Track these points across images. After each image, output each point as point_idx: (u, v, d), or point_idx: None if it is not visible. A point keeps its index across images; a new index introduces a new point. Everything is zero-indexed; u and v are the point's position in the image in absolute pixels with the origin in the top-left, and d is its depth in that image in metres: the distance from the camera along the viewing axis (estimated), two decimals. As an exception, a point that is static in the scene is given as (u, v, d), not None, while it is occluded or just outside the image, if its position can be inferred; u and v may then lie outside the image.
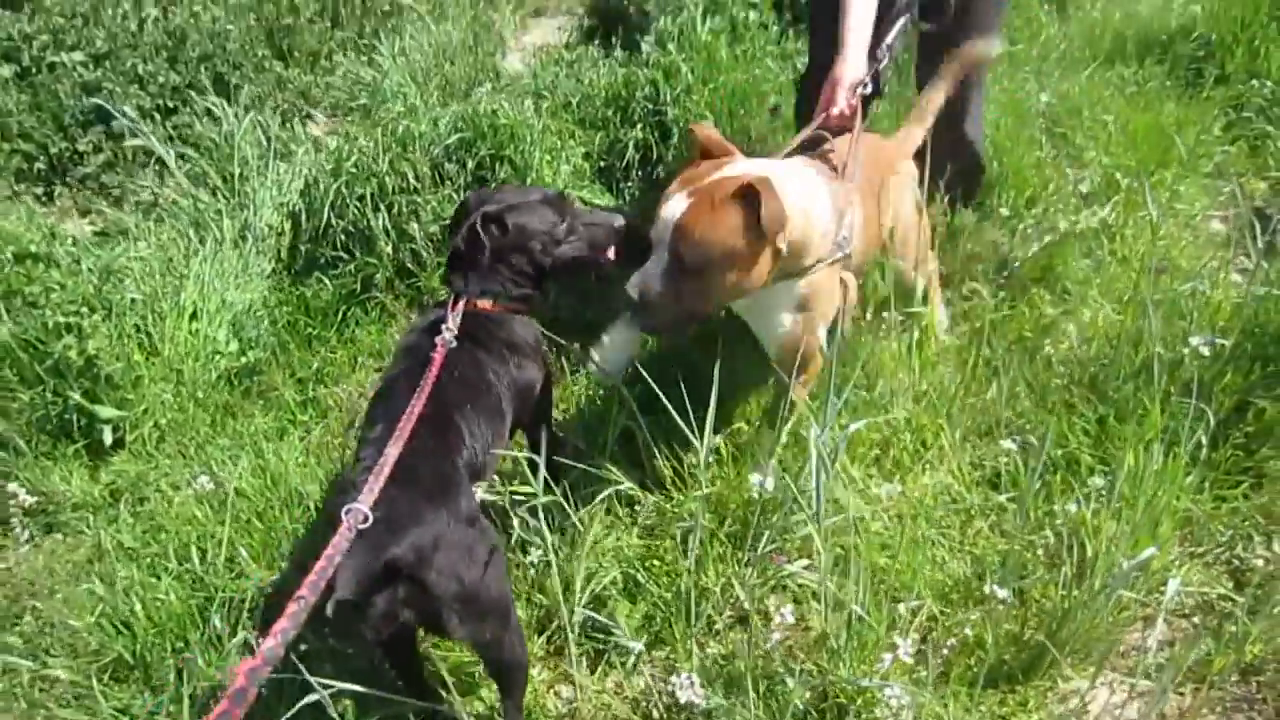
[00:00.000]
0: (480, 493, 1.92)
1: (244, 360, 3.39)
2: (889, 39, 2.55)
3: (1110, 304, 2.87)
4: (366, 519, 1.56)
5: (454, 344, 2.03)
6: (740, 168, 2.06)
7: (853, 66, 2.40)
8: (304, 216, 3.77)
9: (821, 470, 1.86)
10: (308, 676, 1.59)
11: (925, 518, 2.24)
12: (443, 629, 1.68)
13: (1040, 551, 2.16)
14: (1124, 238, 3.16)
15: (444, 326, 2.06)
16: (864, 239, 2.31)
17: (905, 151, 2.62)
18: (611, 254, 2.44)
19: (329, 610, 1.47)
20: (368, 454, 1.77)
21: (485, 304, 2.22)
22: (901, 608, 1.95)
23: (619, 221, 2.43)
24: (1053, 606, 2.03)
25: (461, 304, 2.17)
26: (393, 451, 1.71)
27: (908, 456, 2.49)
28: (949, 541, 2.26)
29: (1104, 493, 2.09)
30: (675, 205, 2.00)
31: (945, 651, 1.89)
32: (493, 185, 3.45)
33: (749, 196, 1.92)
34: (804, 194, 2.10)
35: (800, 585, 2.20)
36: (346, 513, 1.55)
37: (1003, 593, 1.84)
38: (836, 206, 2.18)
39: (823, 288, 2.23)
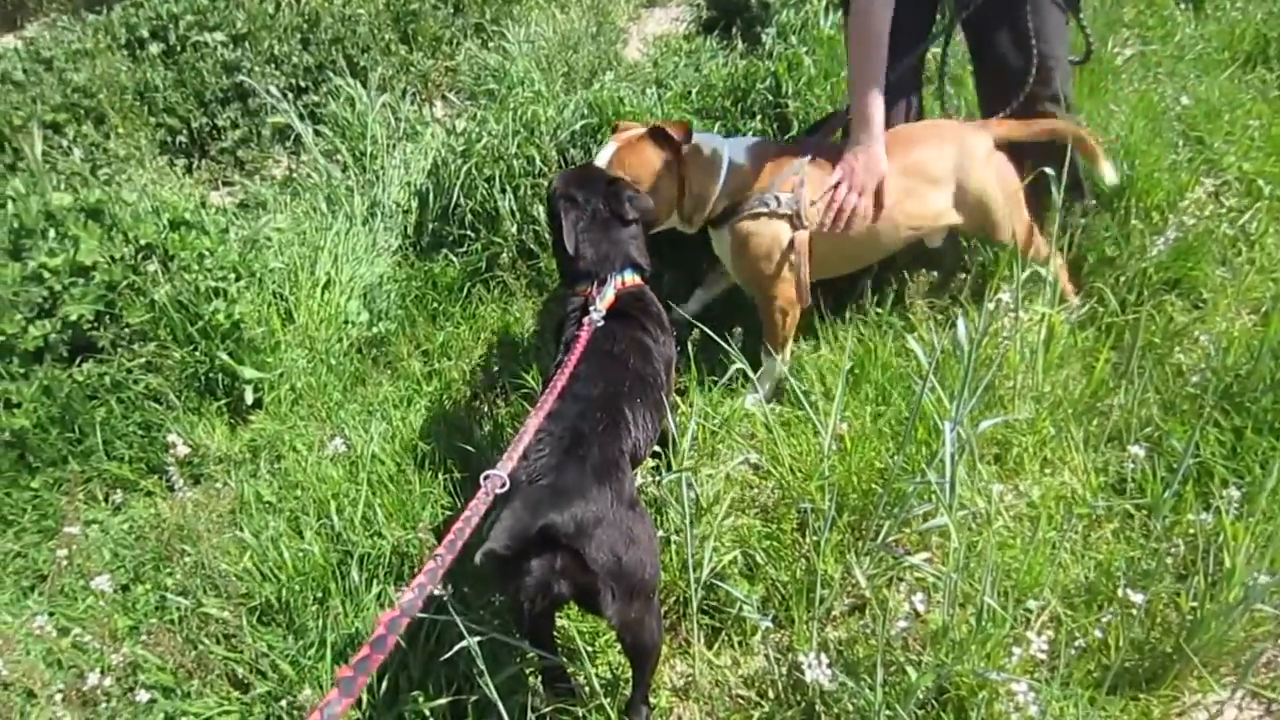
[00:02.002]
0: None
1: (373, 331, 3.56)
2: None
3: (1247, 312, 2.79)
4: (505, 485, 1.64)
5: (603, 323, 2.12)
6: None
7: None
8: (431, 195, 3.91)
9: (954, 463, 1.88)
10: (457, 619, 1.69)
11: (1049, 519, 2.24)
12: (595, 604, 1.72)
13: (1169, 561, 2.14)
14: (1264, 246, 3.06)
15: (592, 307, 2.14)
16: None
17: (980, 130, 2.74)
18: None
19: (477, 559, 1.54)
20: (545, 425, 1.83)
21: (633, 280, 2.30)
22: (1031, 604, 1.96)
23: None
24: (1180, 617, 2.02)
25: (611, 284, 2.25)
26: (533, 422, 1.80)
27: (1028, 458, 2.48)
28: (1071, 545, 2.25)
29: (1238, 505, 2.06)
30: (607, 149, 2.69)
31: (1073, 651, 1.89)
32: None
33: (657, 134, 2.65)
34: (706, 148, 2.71)
35: (917, 578, 2.22)
36: (485, 478, 1.64)
37: (1137, 597, 1.83)
38: (742, 167, 2.70)
39: (752, 235, 2.69)
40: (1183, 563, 2.14)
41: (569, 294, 2.37)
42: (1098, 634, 1.96)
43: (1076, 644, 1.93)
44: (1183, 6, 4.76)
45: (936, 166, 2.69)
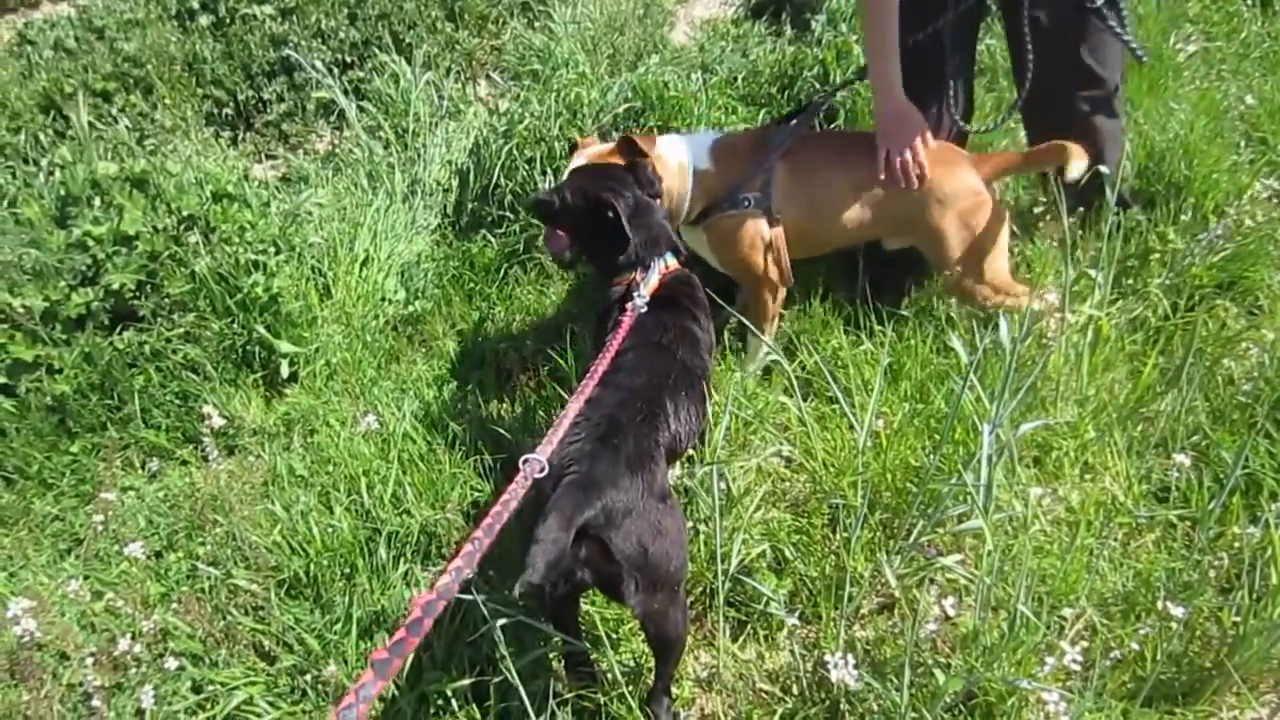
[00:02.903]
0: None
1: (410, 309, 3.56)
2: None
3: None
4: (543, 469, 1.63)
5: (647, 309, 2.10)
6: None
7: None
8: (471, 175, 3.91)
9: (992, 466, 1.84)
10: (480, 602, 1.68)
11: (1088, 525, 2.18)
12: (618, 593, 1.71)
13: (1211, 573, 2.08)
14: (1326, 253, 2.96)
15: (636, 294, 2.12)
16: (795, 206, 2.72)
17: (961, 167, 2.66)
18: None
19: (515, 592, 1.55)
20: (584, 411, 1.83)
21: (675, 264, 2.29)
22: (1067, 612, 1.91)
23: None
24: (1221, 631, 1.96)
25: (655, 269, 2.22)
26: (573, 407, 1.79)
27: (1068, 462, 2.42)
28: (1110, 553, 2.20)
29: (1288, 519, 2.00)
30: (575, 161, 2.65)
31: (1108, 663, 1.84)
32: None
33: (624, 146, 2.58)
34: (672, 152, 2.70)
35: (948, 579, 2.18)
36: (524, 462, 1.62)
37: (1178, 610, 1.78)
38: (707, 171, 2.71)
39: (729, 233, 2.72)
40: (1226, 576, 2.08)
41: (611, 284, 2.34)
42: (1134, 646, 1.91)
43: (1112, 655, 1.88)
44: (1249, 3, 4.61)
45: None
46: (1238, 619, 1.88)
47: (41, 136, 4.87)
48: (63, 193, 3.39)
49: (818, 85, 3.93)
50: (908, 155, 2.59)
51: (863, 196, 2.70)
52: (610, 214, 2.25)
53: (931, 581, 2.20)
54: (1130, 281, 2.91)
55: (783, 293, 2.82)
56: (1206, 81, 3.81)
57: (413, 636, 1.22)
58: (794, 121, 2.82)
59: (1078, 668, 1.73)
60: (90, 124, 4.42)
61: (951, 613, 1.86)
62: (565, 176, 2.51)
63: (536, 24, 5.38)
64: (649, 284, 2.18)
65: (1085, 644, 1.97)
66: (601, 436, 1.75)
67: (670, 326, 2.12)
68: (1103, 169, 2.51)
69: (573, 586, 1.71)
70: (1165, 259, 2.91)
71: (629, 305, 2.11)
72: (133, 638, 2.25)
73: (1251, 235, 2.88)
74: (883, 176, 2.63)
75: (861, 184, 2.69)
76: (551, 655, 2.14)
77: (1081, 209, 2.84)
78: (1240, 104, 3.56)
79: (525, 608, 2.05)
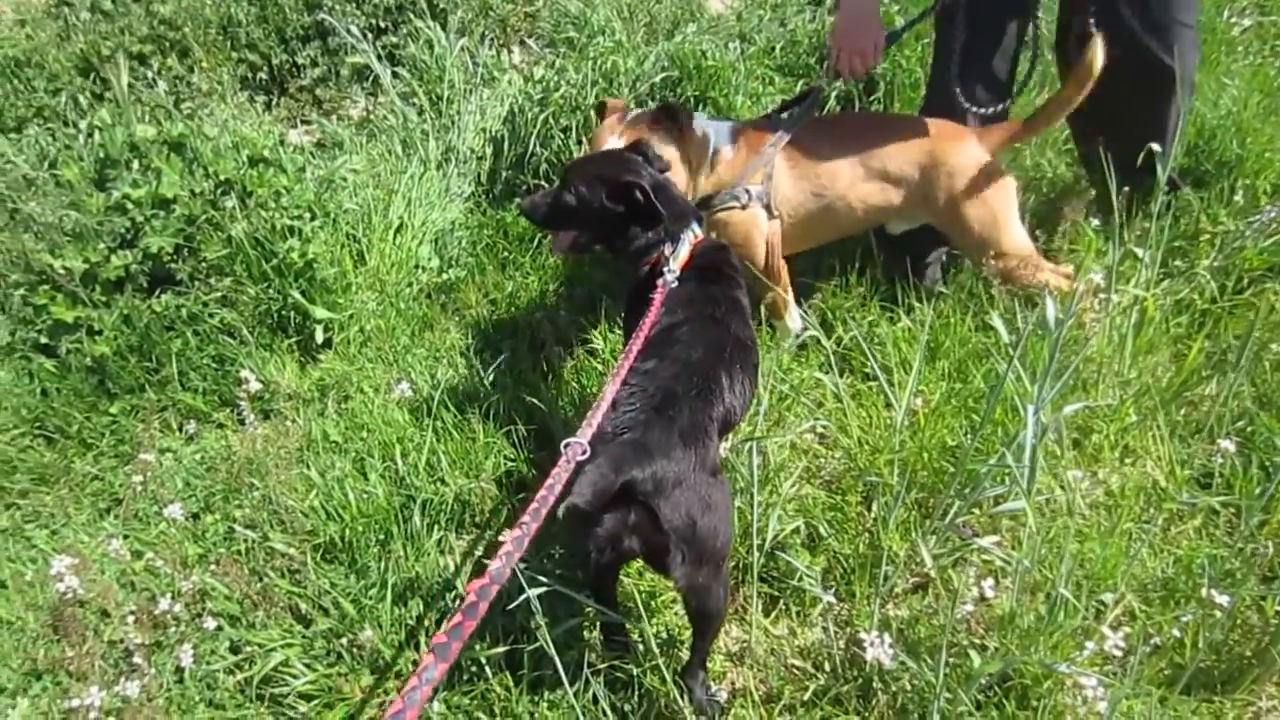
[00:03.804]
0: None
1: (443, 277, 3.56)
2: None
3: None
4: (585, 452, 1.62)
5: (681, 283, 2.08)
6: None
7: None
8: (506, 143, 3.89)
9: (1036, 448, 1.81)
10: (517, 571, 1.69)
11: (1128, 510, 2.16)
12: (664, 564, 1.71)
13: (1256, 561, 2.05)
14: (1379, 235, 2.88)
15: (666, 269, 2.11)
16: (800, 194, 2.72)
17: (964, 141, 2.66)
18: None
19: (560, 512, 1.53)
20: (637, 382, 1.83)
21: (700, 233, 2.28)
22: (1107, 597, 1.89)
23: None
24: (1264, 621, 1.93)
25: (686, 242, 2.21)
26: (610, 389, 1.78)
27: (1109, 445, 2.39)
28: (1150, 538, 2.17)
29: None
30: (612, 135, 2.66)
31: (1148, 649, 1.82)
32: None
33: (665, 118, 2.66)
34: (696, 133, 2.69)
35: (985, 561, 2.16)
36: (566, 446, 1.62)
37: (1223, 599, 1.76)
38: (722, 154, 2.71)
39: (729, 224, 2.71)
40: (1270, 564, 2.05)
41: (639, 265, 2.29)
42: (1175, 633, 1.89)
43: (1152, 641, 1.86)
44: (1306, -25, 4.47)
45: (895, 165, 2.68)
46: (1281, 608, 1.86)
47: (80, 99, 4.89)
48: (102, 155, 3.40)
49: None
50: (850, 59, 2.67)
51: (870, 176, 2.70)
52: (639, 195, 2.22)
53: (967, 562, 2.19)
54: (1177, 263, 2.85)
55: (785, 281, 2.80)
56: (1260, 57, 3.71)
57: (469, 620, 1.25)
58: (792, 111, 2.82)
59: (1119, 653, 1.71)
60: (129, 86, 4.43)
61: (990, 595, 1.84)
62: (566, 173, 2.42)
63: (571, -10, 5.30)
64: (679, 257, 2.16)
65: (1126, 630, 1.95)
66: (657, 407, 1.75)
67: (721, 299, 2.10)
68: (1155, 147, 2.45)
69: (618, 555, 1.71)
70: (1215, 240, 2.85)
71: (659, 282, 2.09)
72: (172, 597, 2.29)
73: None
74: (830, 67, 2.73)
75: (868, 164, 2.69)
76: (585, 625, 2.15)
77: (1127, 189, 2.77)
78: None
79: (562, 577, 2.05)
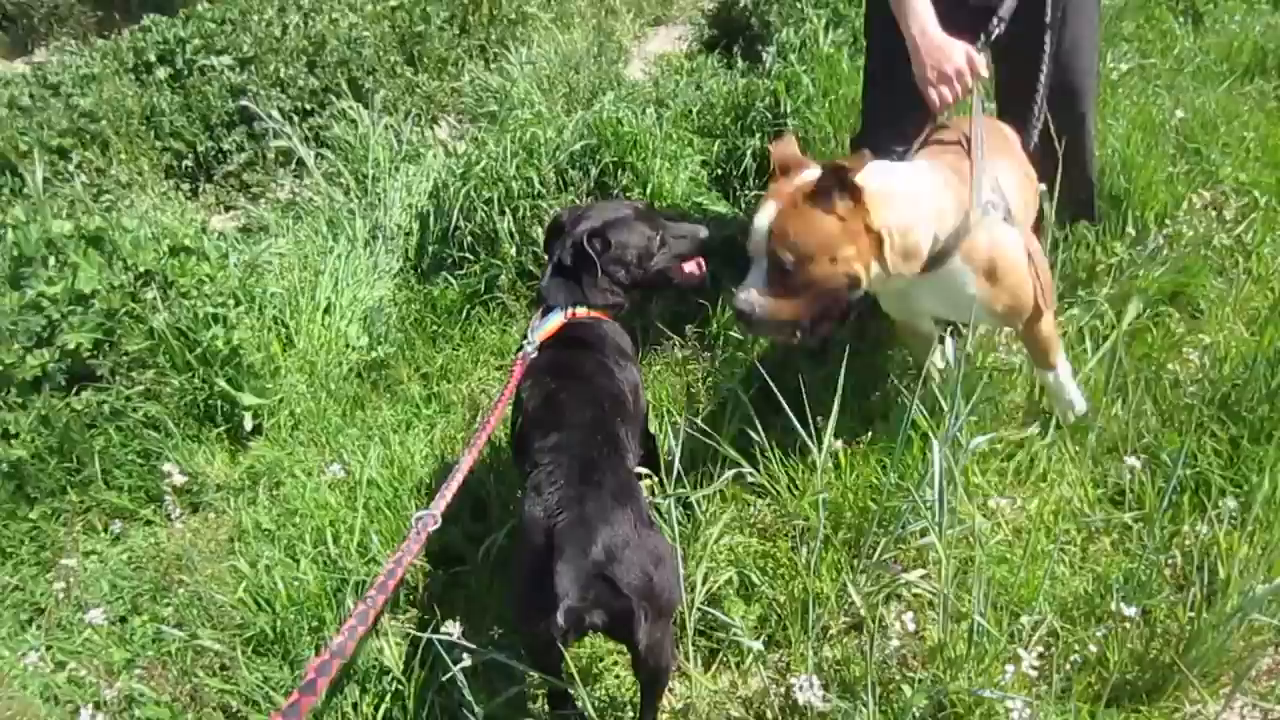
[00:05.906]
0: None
1: (373, 355, 3.57)
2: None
3: (1244, 323, 2.78)
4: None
5: (540, 352, 2.18)
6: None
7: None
8: (432, 218, 3.94)
9: (944, 481, 1.87)
10: (436, 641, 1.68)
11: (1046, 532, 2.22)
12: (628, 628, 1.68)
13: (1167, 572, 2.12)
14: (1260, 256, 3.05)
15: (525, 341, 2.20)
16: (1023, 193, 2.39)
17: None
18: (696, 266, 2.53)
19: (559, 619, 1.54)
20: (549, 459, 1.84)
21: (583, 312, 2.31)
22: (1024, 620, 1.94)
23: (703, 232, 2.52)
24: (1179, 628, 1.99)
25: (559, 315, 2.27)
26: (466, 460, 1.83)
27: (1025, 471, 2.47)
28: (1069, 557, 2.23)
29: (1235, 515, 2.05)
30: (766, 213, 2.08)
31: (1068, 667, 1.87)
32: (615, 191, 3.55)
33: (828, 184, 2.00)
34: (892, 179, 2.13)
35: (915, 594, 2.20)
36: (417, 520, 1.65)
37: (1130, 611, 1.81)
38: (947, 181, 2.19)
39: (990, 246, 2.20)
40: (1181, 574, 2.13)
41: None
42: (1092, 648, 1.94)
43: (1073, 658, 1.91)
44: (1181, 20, 4.77)
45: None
46: (1193, 614, 1.92)
47: (-4, 197, 4.86)
48: (16, 254, 3.37)
49: (769, 115, 4.01)
50: (945, 91, 2.36)
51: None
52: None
53: (897, 597, 2.23)
54: (1081, 293, 2.97)
55: (1053, 309, 2.39)
56: (1143, 97, 3.93)
57: (306, 697, 1.27)
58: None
59: (1033, 673, 1.75)
60: (46, 181, 4.41)
61: (913, 627, 1.88)
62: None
63: (494, 65, 5.45)
64: (543, 330, 2.25)
65: (1049, 649, 2.00)
66: (581, 477, 1.76)
67: (583, 360, 2.17)
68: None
69: (579, 634, 1.72)
70: (1110, 270, 2.99)
71: (519, 353, 2.18)
72: (95, 707, 2.20)
73: (1189, 244, 2.96)
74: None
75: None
76: (527, 694, 2.13)
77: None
78: (1174, 117, 3.67)
79: (495, 645, 2.04)
